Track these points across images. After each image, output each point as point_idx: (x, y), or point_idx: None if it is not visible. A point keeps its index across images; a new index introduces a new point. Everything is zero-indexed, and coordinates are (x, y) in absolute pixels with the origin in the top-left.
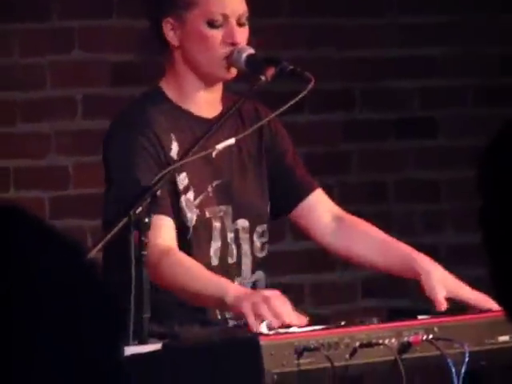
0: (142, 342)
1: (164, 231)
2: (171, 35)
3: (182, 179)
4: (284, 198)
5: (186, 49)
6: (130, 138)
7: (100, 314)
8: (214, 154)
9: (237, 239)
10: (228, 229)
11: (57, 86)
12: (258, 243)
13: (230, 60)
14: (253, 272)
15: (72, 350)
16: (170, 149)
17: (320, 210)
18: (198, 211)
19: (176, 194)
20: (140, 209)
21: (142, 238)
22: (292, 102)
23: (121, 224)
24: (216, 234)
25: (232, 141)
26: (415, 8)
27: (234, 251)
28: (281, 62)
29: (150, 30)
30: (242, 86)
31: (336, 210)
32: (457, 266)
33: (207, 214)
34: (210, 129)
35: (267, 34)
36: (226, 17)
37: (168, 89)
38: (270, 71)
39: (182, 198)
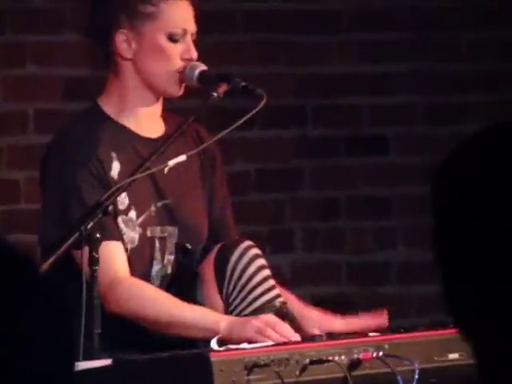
0: (92, 357)
1: (116, 258)
2: (124, 47)
3: (122, 199)
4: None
5: (141, 61)
6: (71, 159)
7: (52, 328)
8: (166, 170)
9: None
10: (168, 250)
11: (9, 101)
12: None
13: (182, 76)
14: None
15: (23, 365)
16: (110, 168)
17: None
18: (140, 230)
19: (114, 214)
20: (91, 224)
21: (93, 254)
22: (243, 120)
23: (72, 239)
24: (157, 254)
25: (183, 157)
26: (367, 25)
27: (169, 273)
28: (233, 78)
29: (97, 41)
30: (193, 101)
31: None
32: (408, 283)
33: (149, 233)
34: (160, 146)
35: (220, 50)
36: (185, 32)
37: (108, 105)
38: (222, 88)
39: (120, 219)
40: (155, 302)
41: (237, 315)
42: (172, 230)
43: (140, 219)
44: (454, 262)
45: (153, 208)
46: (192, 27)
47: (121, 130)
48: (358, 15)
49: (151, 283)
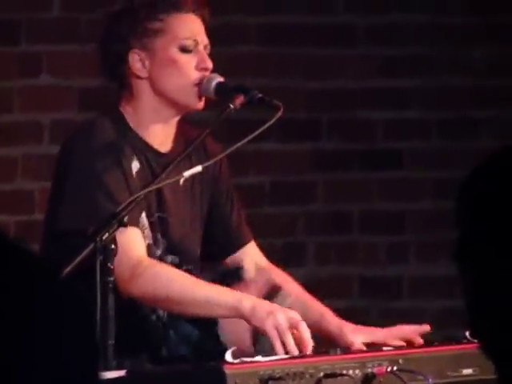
0: (107, 368)
1: (136, 243)
2: (138, 67)
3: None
4: (218, 246)
5: (157, 78)
6: (96, 148)
7: (81, 337)
8: (181, 181)
9: None
10: (162, 260)
11: (24, 111)
12: None
13: (200, 88)
14: None
15: (50, 373)
16: (131, 166)
17: (247, 262)
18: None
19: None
20: (106, 235)
21: (108, 264)
22: (260, 130)
23: (87, 250)
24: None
25: (199, 168)
26: (382, 40)
27: None
28: (250, 90)
29: (110, 66)
30: (209, 114)
31: (261, 262)
32: (420, 298)
33: (148, 241)
34: (175, 159)
35: (235, 62)
36: (196, 43)
37: (127, 115)
38: (239, 99)
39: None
40: (179, 282)
41: None
42: (162, 242)
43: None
44: (478, 275)
45: (153, 218)
46: (203, 39)
47: (138, 140)
48: (373, 29)
49: None
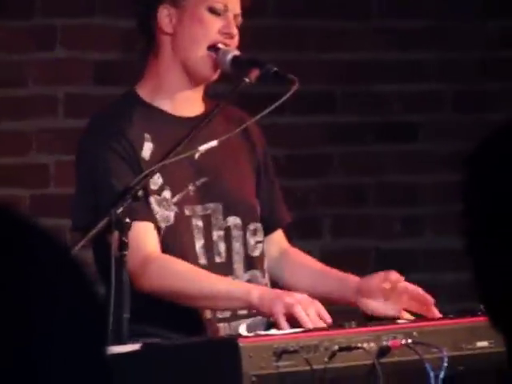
0: (121, 342)
1: (146, 237)
2: (166, 22)
3: (155, 180)
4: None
5: (179, 35)
6: (101, 143)
7: (85, 311)
8: (196, 155)
9: (227, 237)
10: (215, 227)
11: (39, 84)
12: (251, 241)
13: (215, 60)
14: (245, 271)
15: (57, 347)
16: (142, 149)
17: (274, 245)
18: (176, 209)
19: (145, 194)
20: (121, 209)
21: (123, 238)
22: (276, 104)
23: (101, 224)
24: (197, 232)
25: (214, 143)
26: (398, 12)
27: (223, 250)
28: (265, 64)
29: (140, 19)
30: (224, 87)
31: (284, 244)
32: (435, 271)
33: (186, 213)
34: (192, 130)
35: (250, 35)
36: (226, 8)
37: (143, 90)
38: (255, 73)
39: (152, 199)
40: (187, 276)
41: None
42: (215, 207)
43: (175, 198)
44: (484, 249)
45: (191, 187)
46: (235, 7)
47: (155, 112)
48: (387, 2)
49: (198, 261)
